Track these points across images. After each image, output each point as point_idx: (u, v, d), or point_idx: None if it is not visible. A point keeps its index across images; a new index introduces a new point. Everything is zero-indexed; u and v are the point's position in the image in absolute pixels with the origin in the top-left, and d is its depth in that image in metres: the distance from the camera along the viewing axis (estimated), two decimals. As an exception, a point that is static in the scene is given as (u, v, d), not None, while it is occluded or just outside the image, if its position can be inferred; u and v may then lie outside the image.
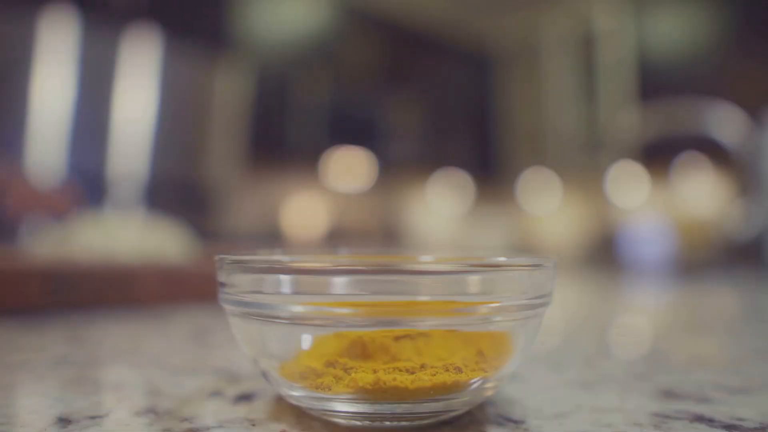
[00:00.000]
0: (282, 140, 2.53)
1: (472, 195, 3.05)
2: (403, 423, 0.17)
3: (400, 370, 0.16)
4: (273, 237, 2.44)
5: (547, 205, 2.90)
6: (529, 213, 2.99)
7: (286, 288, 0.17)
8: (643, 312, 0.54)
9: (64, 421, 0.18)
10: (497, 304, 0.17)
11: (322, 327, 0.17)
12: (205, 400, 0.20)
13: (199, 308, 0.43)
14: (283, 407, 0.20)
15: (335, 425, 0.18)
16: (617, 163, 1.91)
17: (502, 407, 0.20)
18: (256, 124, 2.40)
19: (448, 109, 2.98)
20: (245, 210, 2.48)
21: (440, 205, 2.98)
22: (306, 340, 0.17)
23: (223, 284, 0.19)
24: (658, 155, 1.95)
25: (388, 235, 2.79)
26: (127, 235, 0.52)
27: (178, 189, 2.03)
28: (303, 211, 2.66)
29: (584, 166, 2.65)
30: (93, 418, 0.18)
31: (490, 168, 3.13)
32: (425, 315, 0.16)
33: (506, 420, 0.19)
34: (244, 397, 0.21)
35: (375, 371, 0.16)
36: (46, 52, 1.70)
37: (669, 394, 0.22)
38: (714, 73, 2.31)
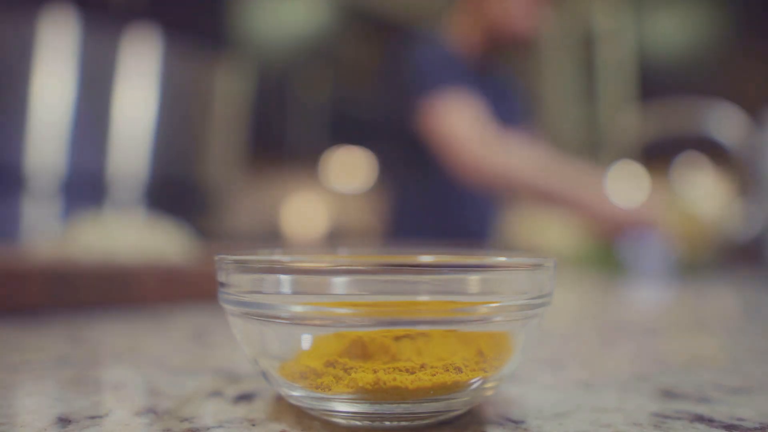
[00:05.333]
0: (282, 140, 2.53)
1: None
2: (403, 423, 0.17)
3: (400, 370, 0.16)
4: (273, 237, 2.44)
5: (547, 205, 2.89)
6: (529, 212, 2.98)
7: (286, 288, 0.17)
8: (643, 312, 0.54)
9: (64, 421, 0.18)
10: (497, 304, 0.17)
11: (322, 327, 0.17)
12: (205, 400, 0.20)
13: (199, 308, 0.43)
14: (283, 407, 0.20)
15: (335, 425, 0.18)
16: (617, 163, 1.91)
17: (502, 407, 0.20)
18: (256, 124, 2.40)
19: (448, 109, 2.98)
20: (245, 210, 2.48)
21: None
22: (306, 340, 0.17)
23: (223, 284, 0.19)
24: (658, 155, 1.95)
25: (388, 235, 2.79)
26: (127, 235, 0.52)
27: (178, 189, 2.03)
28: (303, 211, 2.66)
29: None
30: (93, 418, 0.18)
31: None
32: (425, 315, 0.16)
33: (506, 420, 0.19)
34: (244, 397, 0.21)
35: (375, 371, 0.16)
36: (46, 52, 1.70)
37: (669, 394, 0.22)
38: (714, 73, 2.31)
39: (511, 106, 1.26)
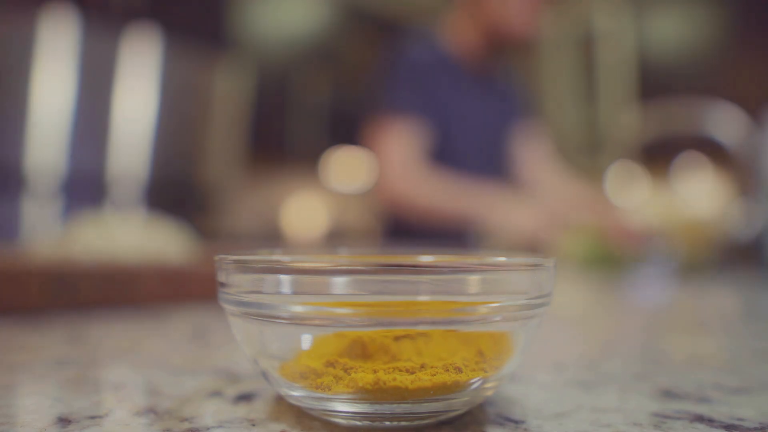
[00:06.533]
0: (282, 140, 2.53)
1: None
2: (403, 423, 0.17)
3: (400, 370, 0.16)
4: (273, 237, 2.44)
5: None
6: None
7: (286, 288, 0.17)
8: (643, 312, 0.54)
9: (64, 421, 0.18)
10: (497, 304, 0.17)
11: (322, 327, 0.17)
12: (205, 400, 0.20)
13: (199, 308, 0.43)
14: (283, 407, 0.20)
15: (335, 425, 0.18)
16: (617, 163, 1.92)
17: (502, 407, 0.20)
18: (256, 124, 2.40)
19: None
20: (245, 210, 2.48)
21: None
22: (306, 340, 0.17)
23: (223, 284, 0.19)
24: (658, 155, 1.95)
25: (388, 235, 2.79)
26: (127, 235, 0.52)
27: (178, 189, 2.03)
28: (303, 211, 2.66)
29: (584, 166, 2.65)
30: (93, 418, 0.18)
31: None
32: (425, 315, 0.16)
33: (506, 420, 0.19)
34: (244, 397, 0.21)
35: (375, 371, 0.16)
36: (46, 52, 1.70)
37: (669, 394, 0.22)
38: (714, 73, 2.31)
39: (510, 105, 1.26)
